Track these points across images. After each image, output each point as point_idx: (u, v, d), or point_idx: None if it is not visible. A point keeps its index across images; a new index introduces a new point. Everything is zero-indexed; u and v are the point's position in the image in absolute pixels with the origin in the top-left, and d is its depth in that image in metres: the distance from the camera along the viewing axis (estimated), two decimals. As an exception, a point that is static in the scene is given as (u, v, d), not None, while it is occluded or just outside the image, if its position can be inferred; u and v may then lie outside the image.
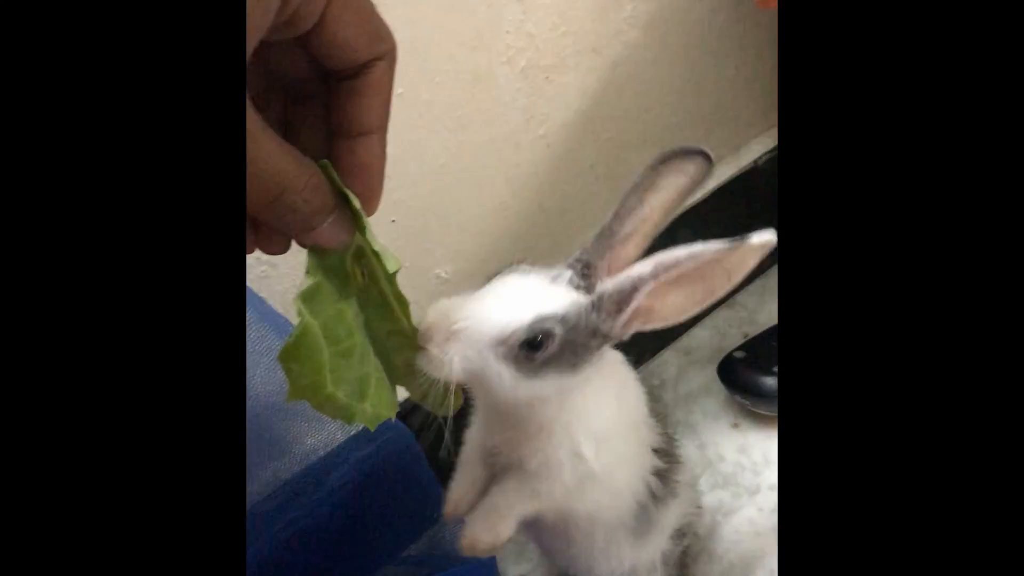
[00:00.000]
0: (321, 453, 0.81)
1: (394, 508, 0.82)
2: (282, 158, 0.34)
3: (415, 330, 0.48)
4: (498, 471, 0.61)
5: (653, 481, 0.65)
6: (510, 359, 0.49)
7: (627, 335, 0.53)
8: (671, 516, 0.71)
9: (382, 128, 0.39)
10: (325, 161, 0.38)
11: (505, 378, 0.49)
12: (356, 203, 0.39)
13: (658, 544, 0.71)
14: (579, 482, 0.57)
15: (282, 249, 0.40)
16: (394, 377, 0.48)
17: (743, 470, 0.94)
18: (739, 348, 0.99)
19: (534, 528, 0.66)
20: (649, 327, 0.52)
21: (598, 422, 0.57)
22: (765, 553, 0.85)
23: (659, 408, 0.76)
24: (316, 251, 0.40)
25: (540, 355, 0.49)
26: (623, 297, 0.50)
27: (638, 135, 0.95)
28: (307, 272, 0.40)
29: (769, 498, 0.90)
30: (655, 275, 0.49)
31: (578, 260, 0.54)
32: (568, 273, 0.53)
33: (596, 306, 0.51)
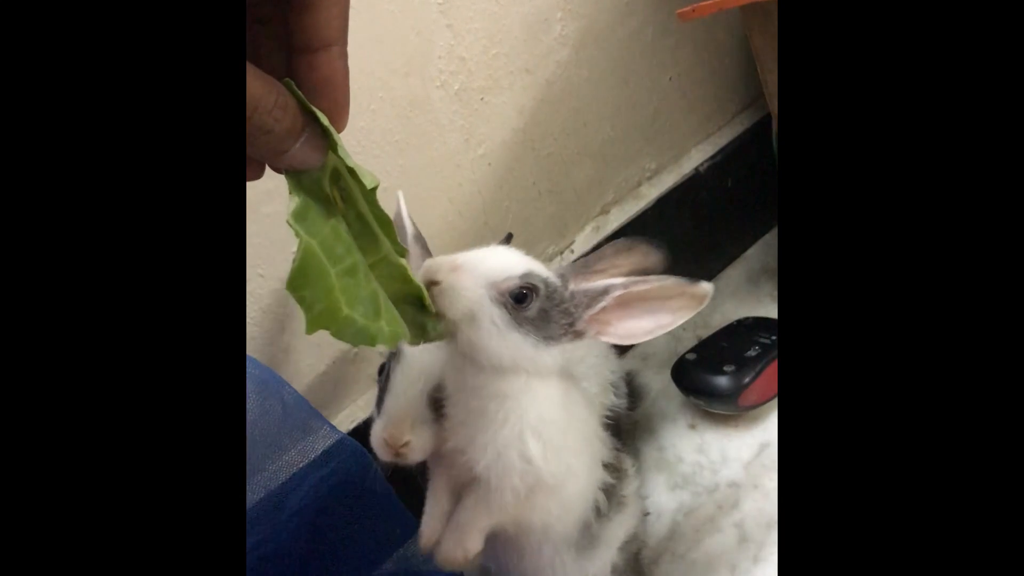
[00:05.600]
0: (283, 478, 0.82)
1: (356, 529, 0.83)
2: (250, 78, 0.33)
3: (403, 250, 0.47)
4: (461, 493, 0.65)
5: (600, 497, 0.68)
6: (498, 303, 0.55)
7: (586, 335, 0.59)
8: (618, 530, 0.74)
9: (342, 40, 0.38)
10: (288, 80, 0.37)
11: (496, 319, 0.55)
12: (325, 120, 0.38)
13: (606, 557, 0.73)
14: (529, 489, 0.60)
15: (255, 175, 0.40)
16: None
17: (701, 469, 0.96)
18: (691, 350, 1.01)
19: (491, 545, 0.68)
20: (601, 338, 0.59)
21: (548, 425, 0.60)
22: (726, 549, 0.87)
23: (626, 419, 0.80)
24: (293, 176, 0.39)
25: (523, 310, 0.55)
26: (594, 296, 0.58)
27: (577, 150, 0.98)
28: (290, 192, 0.39)
29: (728, 495, 0.92)
30: (625, 286, 0.58)
31: (556, 270, 0.61)
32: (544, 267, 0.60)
33: (572, 295, 0.58)
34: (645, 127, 1.05)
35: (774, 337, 0.97)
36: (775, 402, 0.97)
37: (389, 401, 0.64)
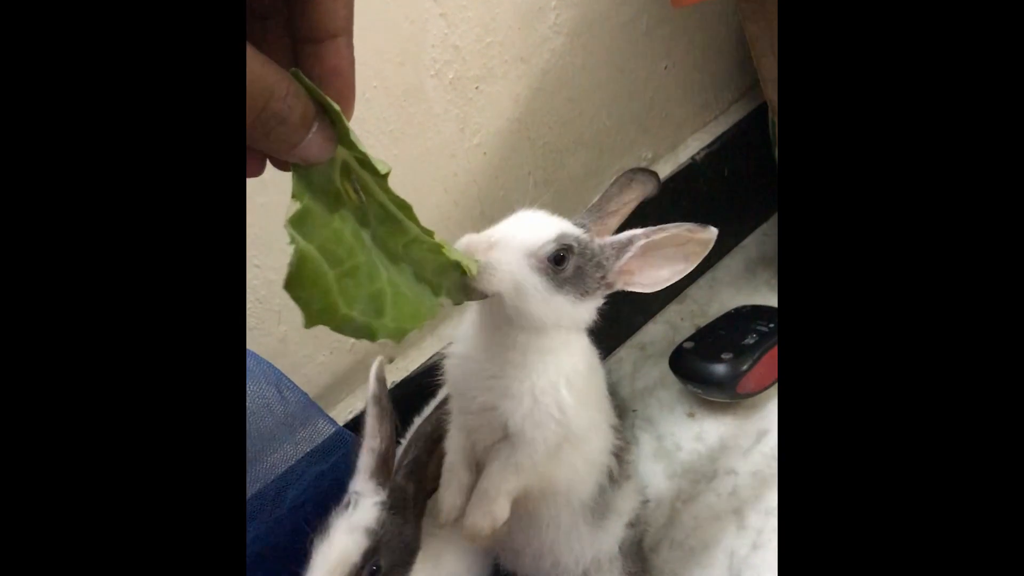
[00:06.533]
0: (280, 471, 0.82)
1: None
2: (260, 67, 0.33)
3: (430, 232, 0.46)
4: (481, 462, 0.65)
5: (612, 461, 0.70)
6: (538, 271, 0.56)
7: (617, 286, 0.62)
8: (627, 499, 0.75)
9: (348, 30, 0.38)
10: (295, 69, 0.36)
11: (539, 287, 0.57)
12: (335, 106, 0.37)
13: (616, 531, 0.74)
14: (558, 442, 0.62)
15: (257, 171, 0.39)
16: (429, 287, 0.48)
17: (700, 457, 0.96)
18: (689, 339, 1.01)
19: (504, 527, 0.67)
20: (628, 288, 0.62)
21: (579, 377, 0.62)
22: (724, 536, 0.87)
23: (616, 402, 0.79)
24: (301, 171, 0.38)
25: (561, 271, 0.58)
26: (620, 247, 0.61)
27: (573, 139, 0.97)
28: (293, 196, 0.38)
29: (726, 483, 0.92)
30: (647, 235, 0.61)
31: (574, 221, 0.64)
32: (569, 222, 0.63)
33: (602, 248, 0.61)
34: (641, 116, 1.04)
35: (771, 325, 0.97)
36: (773, 389, 0.97)
37: None
